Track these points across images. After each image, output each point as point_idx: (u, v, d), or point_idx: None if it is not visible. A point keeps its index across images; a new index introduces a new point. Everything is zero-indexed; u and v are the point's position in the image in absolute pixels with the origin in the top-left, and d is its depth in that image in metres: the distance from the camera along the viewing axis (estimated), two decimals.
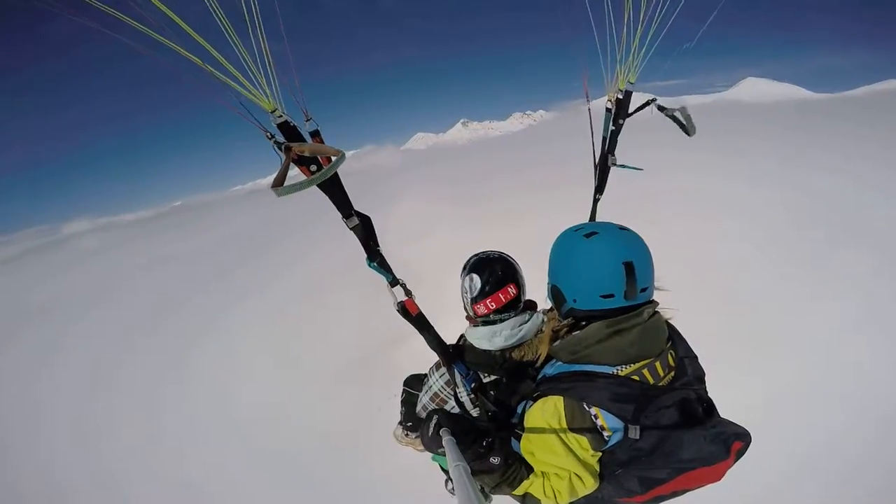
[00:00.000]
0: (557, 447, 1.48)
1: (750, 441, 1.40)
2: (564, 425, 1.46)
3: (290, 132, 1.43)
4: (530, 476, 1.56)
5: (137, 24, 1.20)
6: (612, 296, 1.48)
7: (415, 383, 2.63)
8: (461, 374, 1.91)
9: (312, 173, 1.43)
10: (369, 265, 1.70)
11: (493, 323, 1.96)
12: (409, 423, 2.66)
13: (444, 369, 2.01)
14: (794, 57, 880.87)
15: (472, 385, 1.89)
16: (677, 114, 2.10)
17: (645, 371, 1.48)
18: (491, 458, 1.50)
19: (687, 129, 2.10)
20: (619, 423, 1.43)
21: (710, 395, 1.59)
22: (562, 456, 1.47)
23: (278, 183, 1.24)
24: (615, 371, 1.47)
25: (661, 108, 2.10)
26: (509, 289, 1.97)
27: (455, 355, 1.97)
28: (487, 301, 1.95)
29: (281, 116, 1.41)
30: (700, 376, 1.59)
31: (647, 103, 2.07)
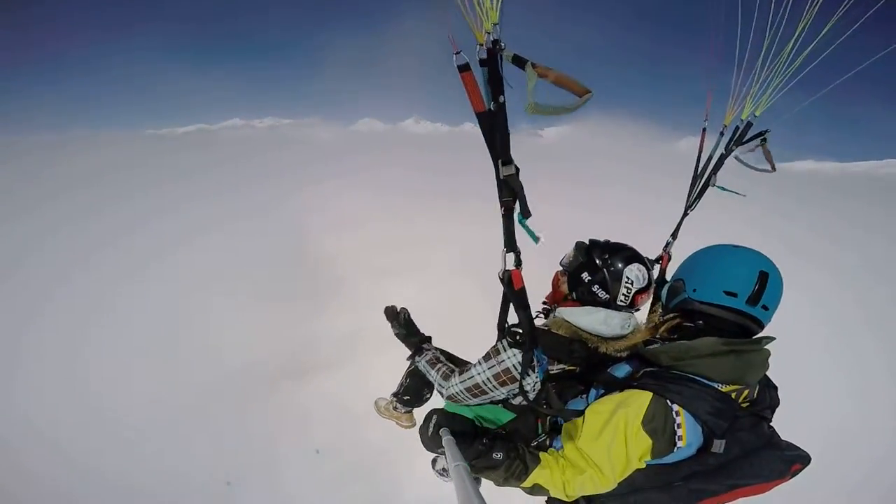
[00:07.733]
0: (604, 436, 1.49)
1: (808, 464, 1.55)
2: (638, 422, 1.46)
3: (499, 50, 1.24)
4: (536, 468, 1.57)
5: None
6: (735, 295, 1.56)
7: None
8: (538, 361, 1.82)
9: None
10: (520, 222, 1.43)
11: (615, 309, 1.92)
12: (407, 397, 2.58)
13: (517, 350, 1.86)
14: None
15: (543, 374, 1.82)
16: (753, 160, 2.24)
17: (734, 394, 1.56)
18: (493, 454, 1.54)
19: (770, 165, 2.27)
20: (699, 438, 1.48)
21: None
22: (601, 447, 1.49)
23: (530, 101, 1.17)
24: (718, 387, 1.53)
25: (742, 153, 2.22)
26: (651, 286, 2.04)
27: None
28: (644, 295, 1.95)
29: (496, 33, 1.21)
30: (773, 406, 1.70)
31: (761, 135, 2.16)
